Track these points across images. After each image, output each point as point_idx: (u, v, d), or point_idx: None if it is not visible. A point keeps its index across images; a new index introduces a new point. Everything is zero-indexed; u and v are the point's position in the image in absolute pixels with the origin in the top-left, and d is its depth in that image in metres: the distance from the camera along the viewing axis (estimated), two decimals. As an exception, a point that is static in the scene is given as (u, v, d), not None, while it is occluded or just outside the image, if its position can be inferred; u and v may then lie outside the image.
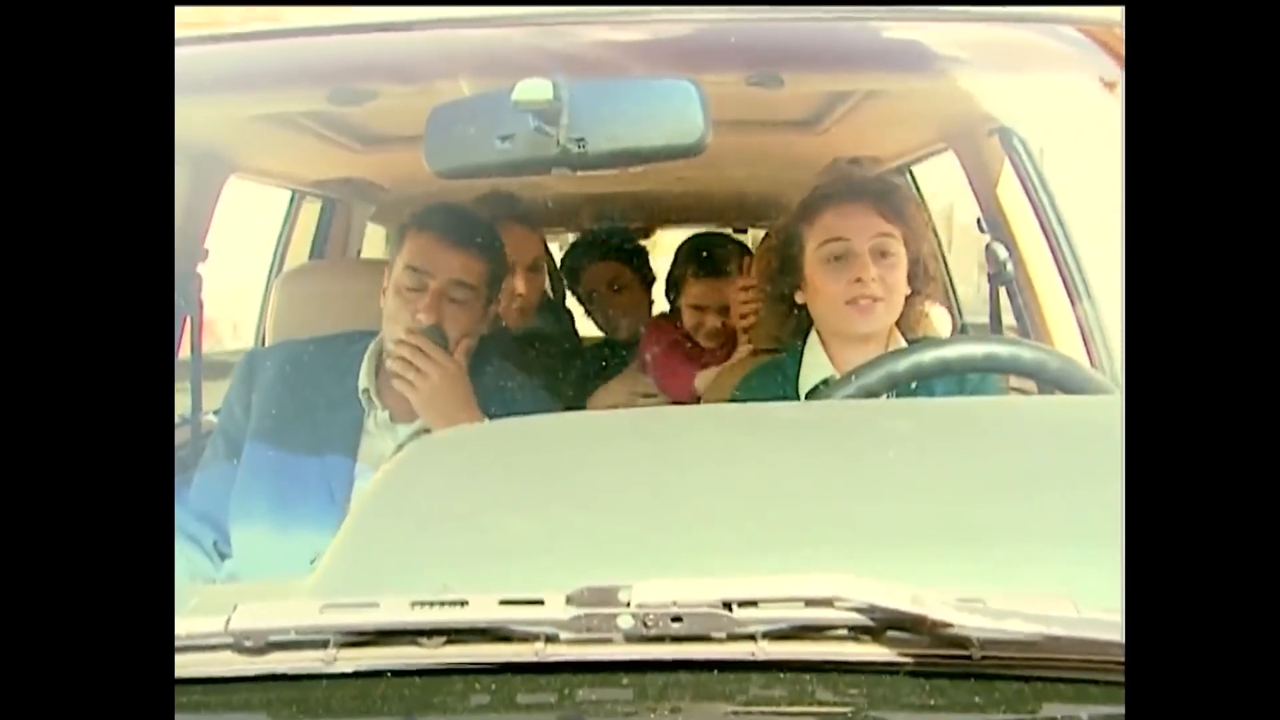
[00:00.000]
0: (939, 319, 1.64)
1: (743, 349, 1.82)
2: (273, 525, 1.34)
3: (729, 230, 2.90)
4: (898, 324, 1.42)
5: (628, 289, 2.32)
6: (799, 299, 1.45)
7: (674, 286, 2.14)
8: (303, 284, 1.95)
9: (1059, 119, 1.76)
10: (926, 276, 1.44)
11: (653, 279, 2.38)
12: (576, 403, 1.96)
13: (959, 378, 1.34)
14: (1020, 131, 1.83)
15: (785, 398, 1.40)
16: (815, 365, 1.43)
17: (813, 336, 1.45)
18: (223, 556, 1.37)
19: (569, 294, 2.45)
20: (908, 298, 1.41)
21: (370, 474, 1.36)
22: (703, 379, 1.92)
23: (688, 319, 2.07)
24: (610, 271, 2.32)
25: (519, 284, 1.86)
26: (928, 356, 1.16)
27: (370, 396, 1.43)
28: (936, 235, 2.00)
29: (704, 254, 2.12)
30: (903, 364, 1.15)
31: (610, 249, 2.35)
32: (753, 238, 2.94)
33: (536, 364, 1.76)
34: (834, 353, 1.42)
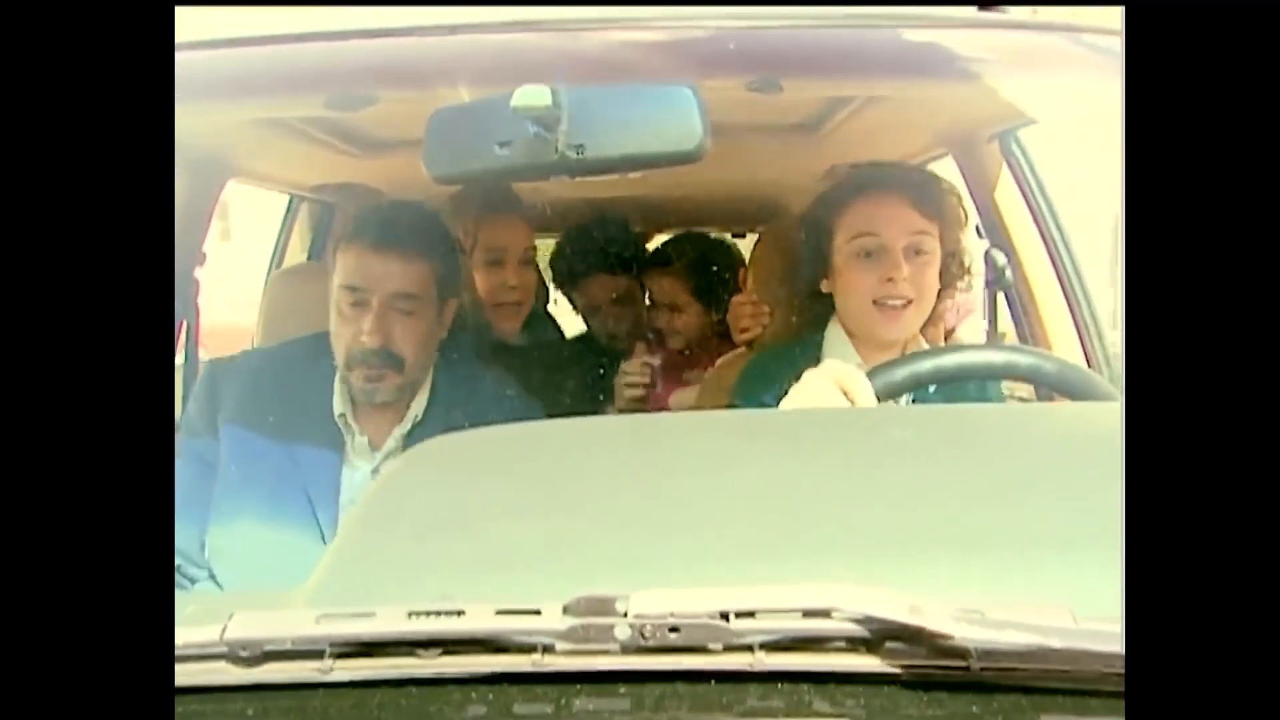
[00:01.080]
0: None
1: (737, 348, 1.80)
2: (257, 548, 1.28)
3: (712, 232, 2.87)
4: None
5: (630, 302, 2.26)
6: (824, 288, 1.39)
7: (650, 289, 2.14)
8: (296, 284, 1.94)
9: (1059, 123, 1.76)
10: (960, 270, 1.38)
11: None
12: (569, 409, 1.91)
13: (980, 385, 1.32)
14: (1020, 136, 1.83)
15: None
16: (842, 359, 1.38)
17: (836, 329, 1.39)
18: (191, 580, 1.30)
19: (561, 297, 2.38)
20: (937, 293, 1.36)
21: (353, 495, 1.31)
22: (678, 399, 1.90)
23: (657, 319, 2.07)
24: (617, 286, 2.23)
25: (510, 276, 1.74)
26: (998, 357, 1.15)
27: (346, 421, 1.35)
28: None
29: (669, 254, 2.11)
30: (965, 357, 1.13)
31: (613, 259, 2.25)
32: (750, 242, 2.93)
33: (525, 369, 1.72)
34: (859, 352, 1.37)
